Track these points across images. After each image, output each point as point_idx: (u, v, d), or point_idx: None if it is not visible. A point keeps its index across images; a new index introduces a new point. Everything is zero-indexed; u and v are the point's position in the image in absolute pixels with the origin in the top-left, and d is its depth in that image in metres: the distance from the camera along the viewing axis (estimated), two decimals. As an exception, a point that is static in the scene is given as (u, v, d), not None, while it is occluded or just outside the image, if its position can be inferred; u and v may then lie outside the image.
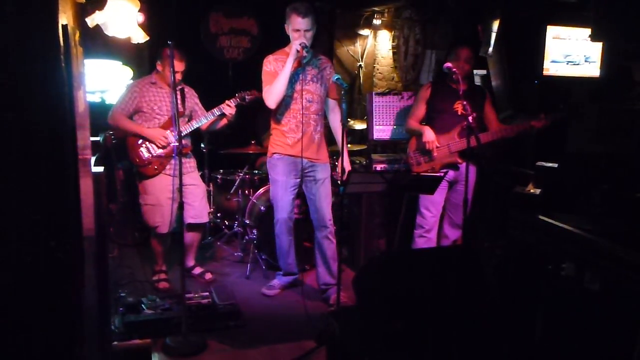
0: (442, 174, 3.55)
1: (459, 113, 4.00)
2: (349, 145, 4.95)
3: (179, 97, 4.14)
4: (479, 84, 4.66)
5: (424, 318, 2.68)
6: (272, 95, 3.89)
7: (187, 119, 4.31)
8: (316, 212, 4.09)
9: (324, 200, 4.04)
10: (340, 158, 3.94)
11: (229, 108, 4.18)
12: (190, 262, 4.62)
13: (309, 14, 3.78)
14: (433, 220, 4.18)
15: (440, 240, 4.30)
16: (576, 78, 4.02)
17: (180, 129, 4.01)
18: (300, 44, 3.73)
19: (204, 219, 4.45)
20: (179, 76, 4.12)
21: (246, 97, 4.25)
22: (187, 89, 4.35)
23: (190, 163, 4.36)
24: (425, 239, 4.20)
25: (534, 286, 3.04)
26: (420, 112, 4.23)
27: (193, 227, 4.38)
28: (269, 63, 3.99)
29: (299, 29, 3.80)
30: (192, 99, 4.38)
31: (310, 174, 4.05)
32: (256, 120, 5.63)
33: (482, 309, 2.87)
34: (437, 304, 2.71)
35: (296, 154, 3.98)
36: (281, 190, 4.06)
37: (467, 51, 4.01)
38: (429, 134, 4.03)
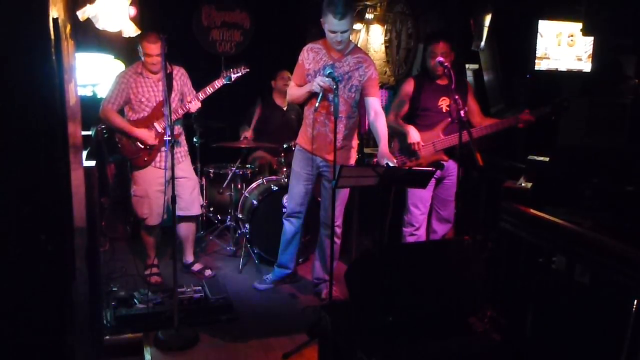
0: (433, 169, 3.55)
1: (444, 110, 3.95)
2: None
3: (166, 87, 4.08)
4: (470, 78, 4.66)
5: (416, 311, 2.69)
6: (289, 96, 4.05)
7: (176, 104, 4.22)
8: (324, 210, 4.10)
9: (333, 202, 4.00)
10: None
11: (193, 105, 4.16)
12: (190, 257, 4.60)
13: (347, 15, 3.57)
14: (422, 218, 4.16)
15: (429, 236, 4.29)
16: (567, 72, 4.03)
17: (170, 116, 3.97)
18: (321, 84, 3.63)
19: (193, 211, 4.42)
20: (154, 60, 4.04)
21: (232, 75, 4.19)
22: (175, 71, 4.24)
23: (180, 152, 4.32)
24: (415, 236, 4.17)
25: (525, 279, 3.06)
26: (402, 108, 4.08)
27: (183, 219, 4.37)
28: (302, 53, 3.90)
29: (334, 30, 3.62)
30: (182, 79, 4.29)
31: (324, 173, 4.02)
32: (246, 115, 5.61)
33: (473, 302, 2.89)
34: (428, 297, 2.73)
35: (312, 150, 3.96)
36: (295, 181, 4.08)
37: (443, 45, 3.87)
38: (414, 135, 3.91)
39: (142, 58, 4.10)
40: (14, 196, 1.42)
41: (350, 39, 3.86)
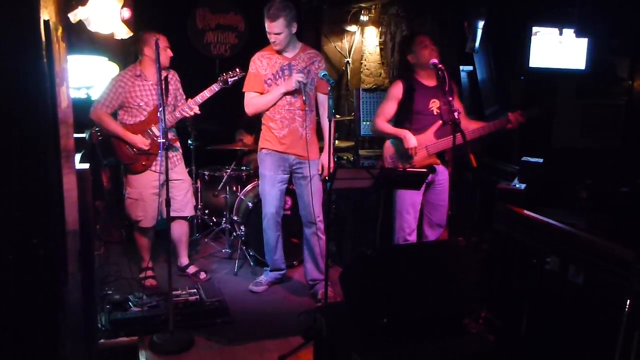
0: (426, 170, 3.55)
1: (435, 113, 3.88)
2: (336, 142, 4.94)
3: (163, 87, 4.08)
4: (464, 79, 4.66)
5: (410, 313, 2.69)
6: (251, 108, 4.03)
7: (172, 108, 4.24)
8: (304, 208, 4.10)
9: (312, 197, 4.03)
10: (323, 155, 3.95)
11: (190, 110, 4.17)
12: (184, 260, 4.59)
13: (278, 17, 3.74)
14: (414, 222, 4.09)
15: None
16: (561, 70, 4.03)
17: (166, 120, 3.95)
18: (300, 80, 3.79)
19: (186, 212, 4.41)
20: (168, 60, 4.10)
21: (229, 79, 4.18)
22: (170, 75, 4.27)
23: (176, 156, 4.33)
24: (409, 242, 4.15)
25: (519, 280, 3.07)
26: (391, 112, 3.95)
27: (176, 220, 4.37)
28: (253, 63, 4.00)
29: (269, 32, 3.82)
30: (175, 84, 4.31)
31: (298, 171, 4.05)
32: (242, 117, 5.61)
33: (468, 303, 2.90)
34: (423, 299, 2.73)
35: (283, 150, 3.98)
36: (268, 185, 4.07)
37: (426, 37, 3.88)
38: (412, 140, 3.82)
39: (147, 55, 4.08)
40: (5, 200, 1.41)
41: (294, 38, 3.95)
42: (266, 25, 3.81)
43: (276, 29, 3.78)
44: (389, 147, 4.04)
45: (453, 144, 3.43)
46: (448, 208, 3.66)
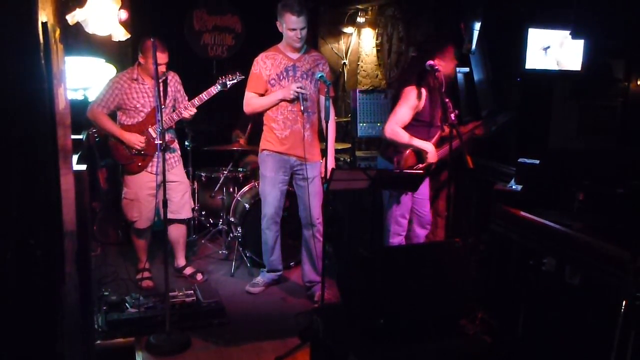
0: (423, 172, 3.55)
1: (438, 123, 3.82)
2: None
3: (161, 90, 4.08)
4: (461, 81, 4.67)
5: (407, 314, 2.69)
6: (248, 107, 4.05)
7: (171, 109, 4.25)
8: (304, 210, 4.10)
9: (312, 198, 4.03)
10: (325, 157, 3.93)
11: (188, 112, 4.16)
12: (181, 261, 4.59)
13: (303, 12, 3.78)
14: (406, 224, 4.08)
15: (412, 241, 4.22)
16: (557, 75, 4.04)
17: (163, 122, 3.95)
18: (298, 90, 3.82)
19: (183, 215, 4.41)
20: (162, 68, 4.08)
21: (228, 82, 4.20)
22: (170, 77, 4.27)
23: (174, 158, 4.33)
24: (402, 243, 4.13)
25: (515, 281, 3.07)
26: (408, 119, 3.76)
27: (173, 222, 4.36)
28: (257, 63, 4.00)
29: (294, 28, 3.80)
30: (175, 86, 4.31)
31: (299, 172, 4.05)
32: (239, 118, 5.62)
33: (464, 304, 2.90)
34: (420, 300, 2.73)
35: (285, 151, 3.99)
36: (269, 186, 4.07)
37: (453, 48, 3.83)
38: (435, 155, 3.73)
39: (142, 63, 4.09)
40: (2, 201, 1.41)
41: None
42: (290, 21, 3.77)
43: (303, 23, 3.80)
44: (412, 156, 3.81)
45: (450, 147, 3.44)
46: (444, 209, 3.66)
